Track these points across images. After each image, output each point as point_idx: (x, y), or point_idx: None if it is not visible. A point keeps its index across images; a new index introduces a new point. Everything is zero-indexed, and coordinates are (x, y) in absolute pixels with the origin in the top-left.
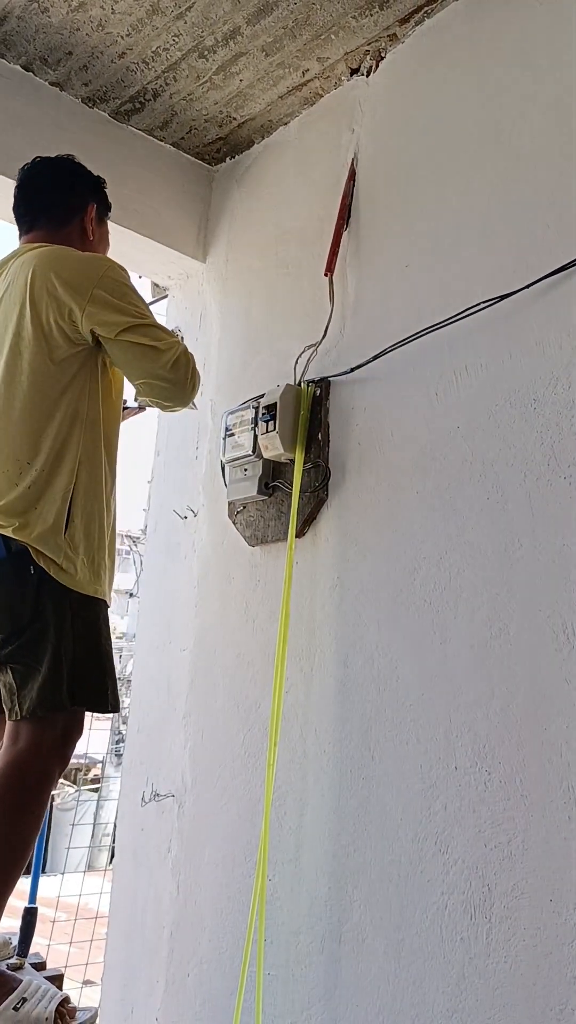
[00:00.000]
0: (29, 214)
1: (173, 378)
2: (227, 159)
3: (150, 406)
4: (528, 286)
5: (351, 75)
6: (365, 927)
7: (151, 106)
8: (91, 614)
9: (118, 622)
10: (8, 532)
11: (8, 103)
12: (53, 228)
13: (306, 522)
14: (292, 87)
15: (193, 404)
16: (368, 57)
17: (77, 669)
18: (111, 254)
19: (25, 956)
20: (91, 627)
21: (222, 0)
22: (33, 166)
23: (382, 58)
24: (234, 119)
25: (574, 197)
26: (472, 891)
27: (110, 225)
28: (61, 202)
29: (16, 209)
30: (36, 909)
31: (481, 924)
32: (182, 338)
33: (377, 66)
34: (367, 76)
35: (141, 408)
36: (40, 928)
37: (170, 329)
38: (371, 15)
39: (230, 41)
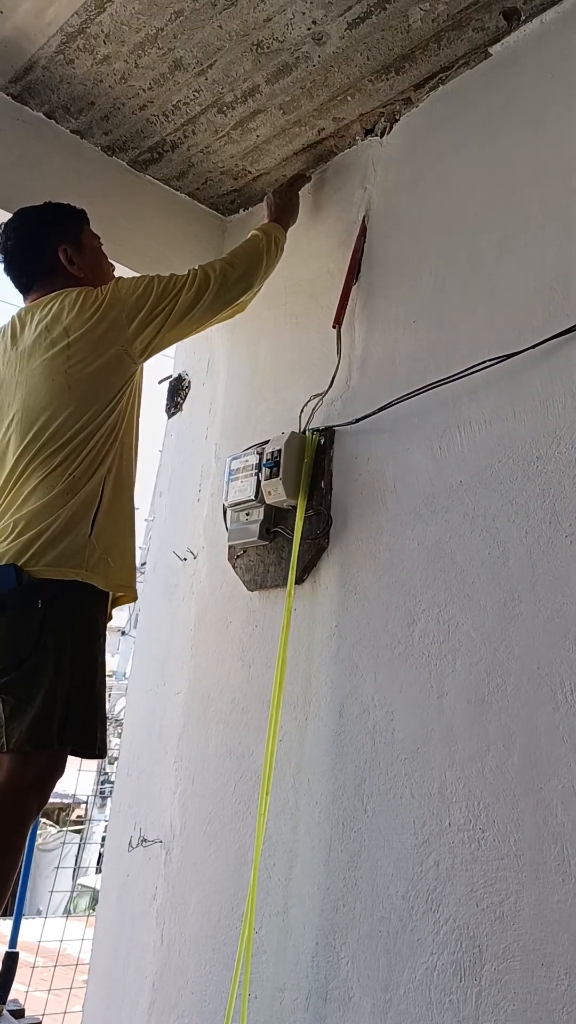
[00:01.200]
0: (19, 280)
1: (236, 292)
2: (241, 210)
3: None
4: (533, 347)
5: (365, 135)
6: (352, 985)
7: (169, 157)
8: (92, 650)
9: (109, 660)
10: (21, 562)
11: (30, 148)
12: (46, 283)
13: (306, 569)
14: (307, 144)
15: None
16: (383, 119)
17: (70, 709)
18: None
19: (3, 1002)
20: (89, 668)
21: (243, 59)
22: (5, 231)
23: (396, 120)
24: (249, 172)
25: None
26: (463, 952)
27: (123, 269)
28: (38, 267)
29: (7, 275)
30: (17, 954)
31: (471, 987)
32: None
33: (391, 128)
34: (381, 137)
35: None
36: (19, 974)
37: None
38: (387, 79)
39: (249, 98)
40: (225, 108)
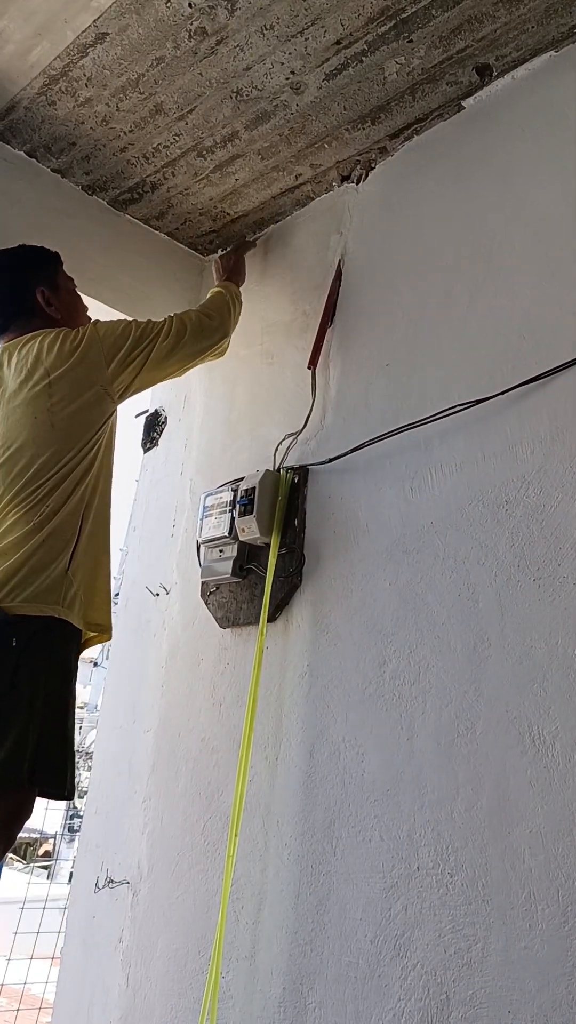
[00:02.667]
0: None
1: (213, 339)
2: (219, 251)
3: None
4: (503, 392)
5: (342, 182)
6: None
7: (149, 197)
8: (64, 691)
9: (80, 691)
10: None
11: (10, 186)
12: (22, 325)
13: (278, 607)
14: (285, 189)
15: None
16: (359, 166)
17: (41, 750)
18: None
19: None
20: (61, 709)
21: (223, 106)
22: None
23: (372, 168)
24: (228, 214)
25: (549, 311)
26: (430, 998)
27: (102, 307)
28: (16, 310)
29: None
30: None
31: None
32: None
33: (367, 175)
34: (357, 184)
35: None
36: None
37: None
38: (363, 129)
39: (228, 143)
40: (205, 152)
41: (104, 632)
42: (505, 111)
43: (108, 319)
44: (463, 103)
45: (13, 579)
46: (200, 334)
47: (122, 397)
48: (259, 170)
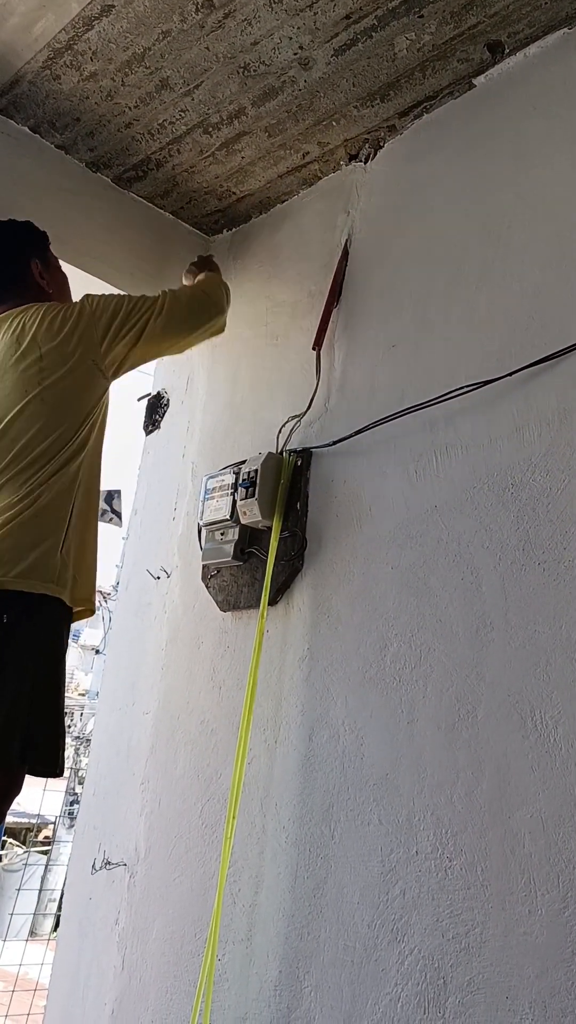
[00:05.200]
0: None
1: (207, 315)
2: (224, 231)
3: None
4: (511, 374)
5: (350, 160)
6: (314, 1016)
7: (153, 175)
8: (56, 669)
9: (82, 678)
10: None
11: (13, 162)
12: (14, 296)
13: (279, 591)
14: (292, 167)
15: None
16: (367, 145)
17: (32, 729)
18: None
19: None
20: (53, 687)
21: (229, 81)
22: None
23: (380, 147)
24: (234, 193)
25: (559, 292)
26: (427, 983)
27: (106, 286)
28: (9, 272)
29: None
30: None
31: (435, 1019)
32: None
33: (375, 154)
34: (365, 162)
35: None
36: None
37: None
38: (372, 106)
39: (235, 120)
40: (211, 129)
41: (88, 608)
42: (517, 89)
43: (100, 293)
44: (474, 81)
45: (5, 555)
46: (196, 310)
47: (115, 374)
48: (266, 148)
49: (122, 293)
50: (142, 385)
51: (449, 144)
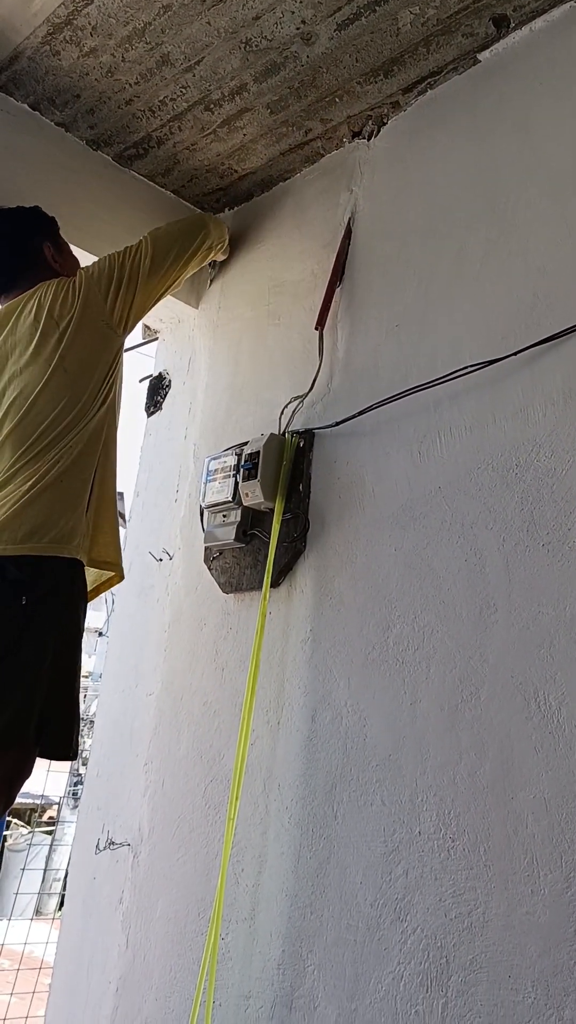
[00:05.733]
0: (1, 279)
1: (191, 239)
2: (226, 209)
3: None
4: (515, 353)
5: (353, 137)
6: (317, 994)
7: (154, 153)
8: (73, 651)
9: (86, 661)
10: (6, 550)
11: (13, 140)
12: (30, 280)
13: (282, 572)
14: (294, 145)
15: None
16: (370, 122)
17: (49, 710)
18: None
19: None
20: (69, 669)
21: (231, 57)
22: None
23: (384, 123)
24: (235, 171)
25: (565, 270)
26: (430, 962)
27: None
28: (21, 263)
29: None
30: None
31: (437, 998)
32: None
33: (379, 131)
34: (368, 139)
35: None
36: None
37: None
38: (375, 82)
39: (236, 96)
40: (212, 105)
41: (115, 570)
42: (522, 64)
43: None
44: (479, 56)
45: (33, 523)
46: (178, 236)
47: (126, 328)
48: (268, 125)
49: (110, 252)
50: (144, 366)
51: (454, 120)
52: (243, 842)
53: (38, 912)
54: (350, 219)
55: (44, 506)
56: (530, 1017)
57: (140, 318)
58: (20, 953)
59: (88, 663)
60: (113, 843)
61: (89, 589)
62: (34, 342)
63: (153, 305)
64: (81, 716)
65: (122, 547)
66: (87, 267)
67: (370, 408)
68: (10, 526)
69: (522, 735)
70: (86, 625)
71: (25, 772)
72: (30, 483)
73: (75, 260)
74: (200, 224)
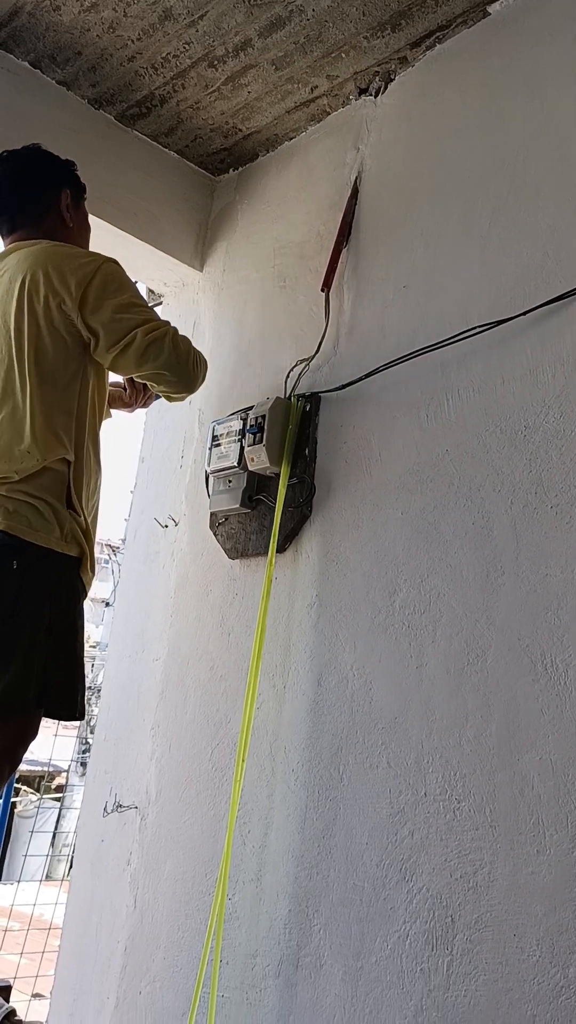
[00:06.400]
0: (6, 214)
1: (178, 367)
2: (230, 170)
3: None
4: (524, 313)
5: (359, 94)
6: (324, 953)
7: (157, 112)
8: (72, 614)
9: (93, 631)
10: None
11: (14, 99)
12: (33, 224)
13: (288, 538)
14: (300, 102)
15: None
16: (377, 78)
17: (49, 673)
18: (102, 247)
19: None
20: (69, 631)
21: (235, 11)
22: (0, 164)
23: (391, 79)
24: (240, 130)
25: (575, 227)
26: (435, 921)
27: (108, 227)
28: (34, 198)
29: None
30: None
31: (442, 956)
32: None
33: (386, 87)
34: (375, 96)
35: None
36: None
37: None
38: (383, 36)
39: (241, 52)
40: (216, 62)
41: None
42: (533, 17)
43: (112, 272)
44: (488, 8)
45: (16, 503)
46: (183, 357)
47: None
48: (273, 82)
49: (134, 293)
50: None
51: (462, 75)
52: (249, 804)
53: (47, 877)
54: (357, 178)
55: (23, 486)
56: (535, 975)
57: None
58: (29, 916)
59: (95, 633)
60: (121, 806)
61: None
62: (25, 301)
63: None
64: (88, 685)
65: (129, 515)
66: (88, 288)
67: (377, 371)
68: None
69: (529, 697)
70: (93, 595)
71: (29, 735)
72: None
73: (87, 229)
74: (190, 380)
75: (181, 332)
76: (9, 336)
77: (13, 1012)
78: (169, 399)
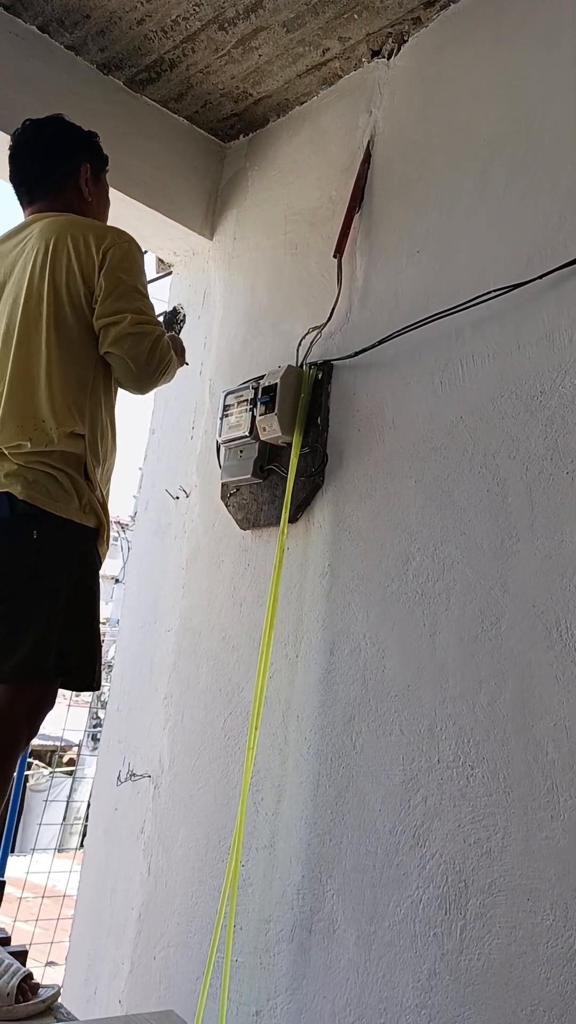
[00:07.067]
0: (26, 185)
1: (144, 367)
2: (240, 136)
3: None
4: (540, 277)
5: (372, 57)
6: (337, 918)
7: (167, 76)
8: (89, 582)
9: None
10: (15, 491)
11: (23, 64)
12: (52, 195)
13: (300, 507)
14: (311, 66)
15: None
16: (390, 39)
17: (67, 641)
18: (110, 215)
19: None
20: (87, 600)
21: None
22: (22, 133)
23: (404, 41)
24: (250, 95)
25: None
26: (448, 886)
27: (117, 195)
28: (53, 168)
29: (13, 180)
30: (3, 883)
31: (455, 920)
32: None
33: (399, 49)
34: (388, 58)
35: None
36: (5, 907)
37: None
38: None
39: (251, 14)
40: (226, 24)
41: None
42: None
43: (135, 252)
44: None
45: (35, 473)
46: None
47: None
48: (284, 44)
49: (142, 283)
50: (157, 304)
51: (477, 35)
52: (262, 772)
53: (60, 848)
54: (369, 142)
55: (40, 457)
56: (548, 938)
57: None
58: (43, 886)
59: (105, 610)
60: (134, 775)
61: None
62: (53, 271)
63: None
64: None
65: (139, 489)
66: (133, 247)
67: (390, 337)
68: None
69: (543, 664)
70: (102, 572)
71: (47, 703)
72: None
73: (107, 204)
74: (161, 371)
75: (195, 295)
76: (29, 304)
77: (30, 975)
78: (117, 383)
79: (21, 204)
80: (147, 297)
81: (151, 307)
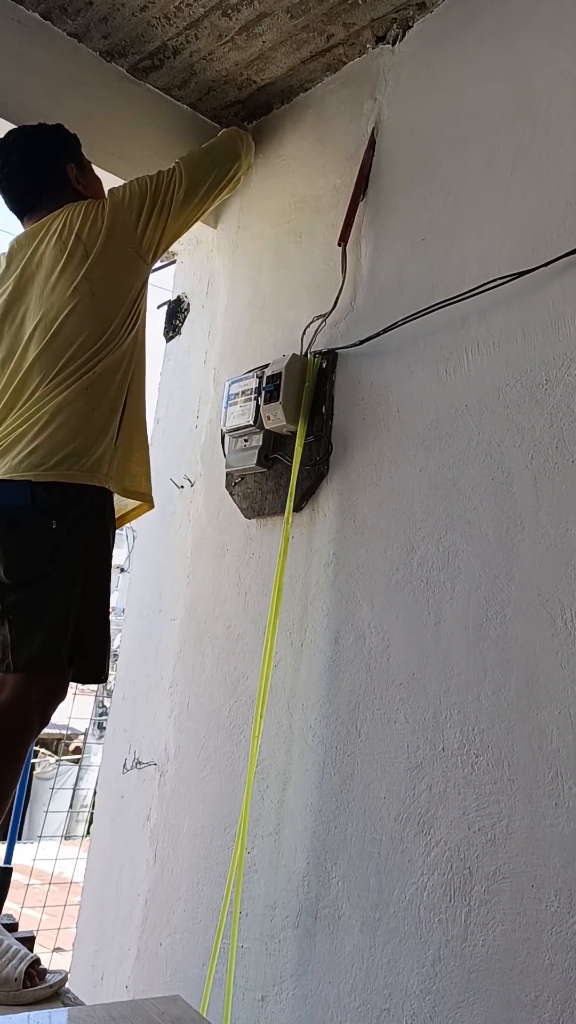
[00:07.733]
0: (21, 202)
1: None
2: (244, 123)
3: None
4: (546, 264)
5: (376, 43)
6: (342, 904)
7: (170, 64)
8: (103, 576)
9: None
10: (38, 476)
11: (25, 52)
12: (54, 201)
13: (304, 496)
14: (316, 52)
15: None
16: (395, 25)
17: (81, 634)
18: None
19: None
20: (100, 593)
21: None
22: (2, 151)
23: (409, 27)
24: (254, 82)
25: None
26: (453, 873)
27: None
28: (47, 178)
29: (6, 198)
30: (11, 870)
31: (460, 907)
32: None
33: (404, 35)
34: (393, 45)
35: None
36: (13, 894)
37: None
38: None
39: (255, 1)
40: (230, 10)
41: (146, 500)
42: None
43: (118, 185)
44: None
45: (64, 450)
46: (210, 167)
47: (154, 256)
48: (288, 31)
49: (139, 176)
50: (161, 292)
51: (482, 21)
52: (267, 760)
53: (66, 836)
54: (374, 129)
55: (72, 431)
56: (552, 924)
57: (169, 246)
58: (50, 873)
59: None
60: (140, 763)
61: (117, 516)
62: (60, 264)
63: (183, 234)
64: None
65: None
66: (115, 190)
67: (395, 326)
68: (39, 451)
69: (548, 652)
70: None
71: (60, 694)
72: (58, 408)
73: (98, 181)
74: (234, 154)
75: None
76: (54, 295)
77: (37, 960)
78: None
79: (20, 216)
80: (155, 177)
81: (160, 175)
